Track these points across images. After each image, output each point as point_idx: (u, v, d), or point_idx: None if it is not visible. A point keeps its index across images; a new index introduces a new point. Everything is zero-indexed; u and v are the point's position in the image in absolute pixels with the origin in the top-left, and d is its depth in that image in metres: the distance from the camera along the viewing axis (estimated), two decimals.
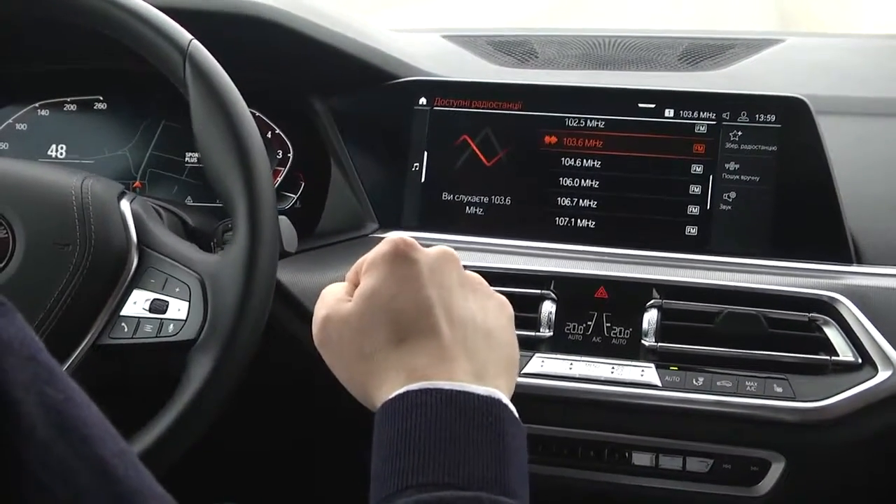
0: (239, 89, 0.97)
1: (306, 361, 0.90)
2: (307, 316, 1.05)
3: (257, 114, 1.20)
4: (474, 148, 1.20)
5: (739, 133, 1.14)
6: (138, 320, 0.93)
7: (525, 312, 1.06)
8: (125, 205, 0.98)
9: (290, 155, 1.28)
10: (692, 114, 1.16)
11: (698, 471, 1.06)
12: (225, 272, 0.92)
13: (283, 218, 0.98)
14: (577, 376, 1.06)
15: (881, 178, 1.18)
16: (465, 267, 0.77)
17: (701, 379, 1.04)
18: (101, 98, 1.31)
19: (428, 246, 0.76)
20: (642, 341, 1.07)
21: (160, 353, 0.93)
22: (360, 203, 1.23)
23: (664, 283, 1.09)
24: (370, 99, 1.25)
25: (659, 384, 1.04)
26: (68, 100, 1.32)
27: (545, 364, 1.06)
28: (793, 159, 1.13)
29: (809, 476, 1.05)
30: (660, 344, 1.06)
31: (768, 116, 1.14)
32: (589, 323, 1.09)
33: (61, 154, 1.31)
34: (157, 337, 0.92)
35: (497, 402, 0.66)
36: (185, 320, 0.92)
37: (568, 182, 1.18)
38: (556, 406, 1.05)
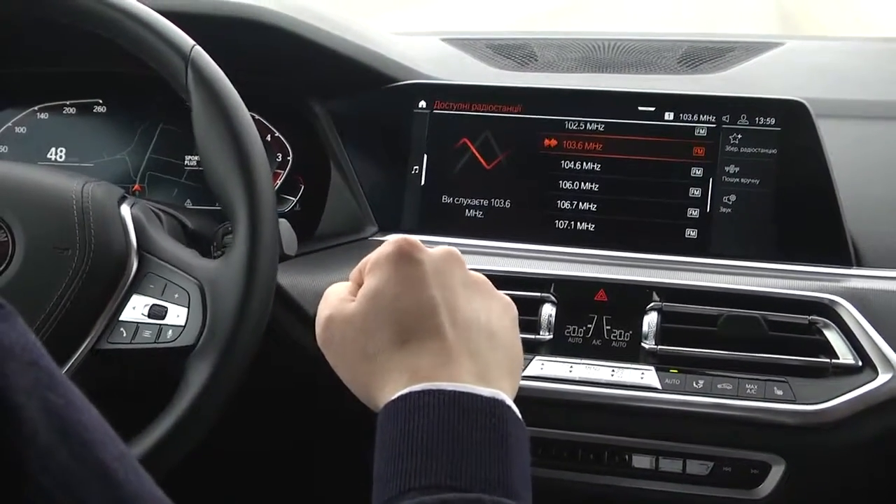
0: (239, 92, 0.97)
1: (306, 363, 0.90)
2: (307, 319, 1.05)
3: (257, 117, 1.21)
4: (474, 151, 1.20)
5: (739, 136, 1.14)
6: (137, 325, 0.93)
7: (525, 315, 1.05)
8: (125, 209, 0.98)
9: (290, 158, 1.28)
10: (692, 117, 1.16)
11: (698, 473, 1.06)
12: (224, 279, 0.92)
13: (282, 221, 0.98)
14: (578, 379, 1.06)
15: (881, 180, 1.18)
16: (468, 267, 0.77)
17: (701, 381, 1.04)
18: (101, 101, 1.32)
19: (432, 247, 0.76)
20: (642, 344, 1.07)
21: (158, 359, 0.93)
22: (360, 206, 1.23)
23: (664, 285, 1.09)
24: (370, 102, 1.25)
25: (659, 387, 1.04)
26: (67, 103, 1.32)
27: (545, 367, 1.06)
28: (793, 162, 1.13)
29: (809, 479, 1.05)
30: (660, 347, 1.06)
31: (768, 120, 1.14)
32: (589, 326, 1.09)
33: (61, 157, 1.31)
34: (155, 342, 0.92)
35: (500, 404, 0.66)
36: (184, 326, 0.92)
37: (568, 185, 1.18)
38: (557, 409, 1.06)
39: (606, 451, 1.08)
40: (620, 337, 1.09)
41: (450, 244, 1.11)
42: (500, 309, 0.77)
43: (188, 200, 1.28)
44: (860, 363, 1.02)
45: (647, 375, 1.05)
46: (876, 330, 1.03)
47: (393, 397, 0.67)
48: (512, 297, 0.82)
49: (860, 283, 1.08)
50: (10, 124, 1.32)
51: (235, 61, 0.99)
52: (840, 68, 1.39)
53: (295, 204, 1.28)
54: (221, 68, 0.97)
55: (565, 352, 1.08)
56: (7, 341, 0.45)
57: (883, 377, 1.00)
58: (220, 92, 0.95)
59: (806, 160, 1.13)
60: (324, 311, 0.76)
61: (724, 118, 1.15)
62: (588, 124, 1.18)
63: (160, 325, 0.93)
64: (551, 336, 1.08)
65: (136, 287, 0.95)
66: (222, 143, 0.93)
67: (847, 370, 1.02)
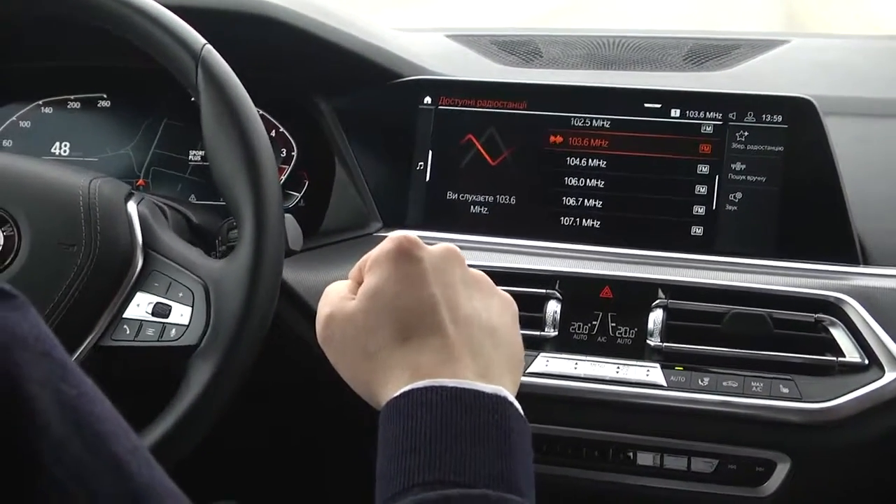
0: (244, 87, 0.97)
1: (310, 359, 0.90)
2: (311, 314, 1.04)
3: (262, 112, 1.21)
4: (479, 147, 1.20)
5: (746, 133, 1.14)
6: (140, 323, 0.93)
7: (530, 312, 1.06)
8: (132, 206, 0.98)
9: (295, 153, 1.28)
10: (698, 114, 1.16)
11: (703, 471, 1.06)
12: (229, 280, 0.92)
13: (288, 216, 0.98)
14: (582, 376, 1.06)
15: (888, 178, 1.18)
16: (470, 266, 0.77)
17: (706, 379, 1.04)
18: (105, 96, 1.32)
19: (432, 245, 0.76)
20: (647, 341, 1.07)
21: (161, 357, 0.93)
22: (364, 202, 1.23)
23: (670, 283, 1.09)
24: (375, 98, 1.25)
25: (664, 384, 1.04)
26: (72, 98, 1.32)
27: (550, 364, 1.06)
28: (799, 160, 1.13)
29: (815, 477, 1.05)
30: (665, 344, 1.06)
31: (775, 117, 1.14)
32: (594, 323, 1.09)
33: (65, 152, 1.31)
34: (158, 341, 0.93)
35: (503, 400, 0.66)
36: (188, 326, 0.92)
37: (573, 182, 1.18)
38: (561, 405, 1.06)
39: (611, 448, 1.08)
40: (625, 334, 1.09)
41: (454, 240, 1.11)
42: (501, 306, 0.76)
43: (192, 195, 1.28)
44: (867, 361, 1.02)
45: (652, 373, 1.05)
46: (882, 328, 1.03)
47: (395, 394, 0.67)
48: (516, 293, 0.82)
49: (867, 280, 1.08)
50: (14, 119, 1.32)
51: (240, 56, 0.99)
52: (846, 66, 1.39)
53: (299, 199, 1.28)
54: (227, 63, 0.97)
55: (570, 349, 1.08)
56: (20, 331, 0.45)
57: (889, 375, 1.00)
58: (230, 92, 0.94)
59: (813, 157, 1.12)
60: (324, 309, 0.76)
61: (730, 115, 1.15)
62: (594, 121, 1.18)
63: (164, 323, 0.93)
64: (556, 333, 1.08)
65: (141, 285, 0.95)
66: (230, 143, 0.93)
67: (853, 368, 1.02)
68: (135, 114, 1.31)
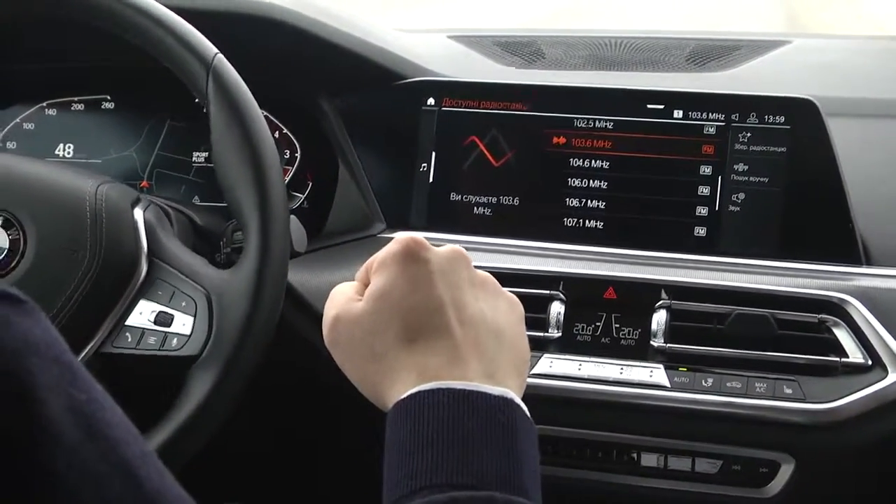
0: (246, 85, 0.97)
1: (314, 360, 0.90)
2: (315, 315, 1.05)
3: (265, 113, 1.21)
4: (482, 148, 1.20)
5: (748, 134, 1.14)
6: (143, 331, 0.93)
7: (534, 313, 1.06)
8: (138, 213, 0.98)
9: (298, 155, 1.29)
10: (701, 115, 1.16)
11: (707, 472, 1.06)
12: (232, 291, 0.92)
13: (292, 218, 0.98)
14: (586, 377, 1.06)
15: (890, 179, 1.18)
16: (474, 266, 0.77)
17: (710, 380, 1.04)
18: (109, 97, 1.32)
19: (436, 246, 0.76)
20: (651, 342, 1.07)
21: (162, 367, 0.93)
22: (368, 203, 1.23)
23: (673, 284, 1.09)
24: (378, 99, 1.25)
25: (668, 385, 1.04)
26: (76, 99, 1.32)
27: (554, 365, 1.06)
28: (802, 160, 1.13)
29: (819, 478, 1.05)
30: (669, 345, 1.06)
31: (777, 118, 1.14)
32: (598, 324, 1.09)
33: (69, 153, 1.31)
34: (159, 350, 0.93)
35: (509, 402, 0.66)
36: (189, 336, 0.92)
37: (576, 183, 1.18)
38: (565, 407, 1.06)
39: (615, 450, 1.08)
40: (629, 335, 1.09)
41: (458, 241, 1.11)
42: (507, 307, 0.76)
43: (196, 196, 1.28)
44: (870, 362, 1.02)
45: (655, 373, 1.05)
46: (886, 328, 1.03)
47: (402, 396, 0.67)
48: (520, 294, 0.82)
49: (870, 281, 1.08)
50: (17, 121, 1.33)
51: (244, 58, 0.99)
52: (847, 66, 1.39)
53: (303, 201, 1.28)
54: (231, 64, 0.97)
55: (574, 350, 1.08)
56: (32, 337, 0.45)
57: (893, 376, 1.00)
58: (240, 102, 0.95)
59: (815, 158, 1.12)
60: (330, 311, 0.76)
61: (733, 116, 1.15)
62: (597, 122, 1.18)
63: (166, 332, 0.93)
64: (560, 334, 1.08)
65: (144, 293, 0.95)
66: (239, 154, 0.93)
67: (857, 369, 1.02)
68: (138, 115, 1.31)
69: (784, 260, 1.11)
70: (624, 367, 1.06)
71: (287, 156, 1.28)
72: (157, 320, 0.93)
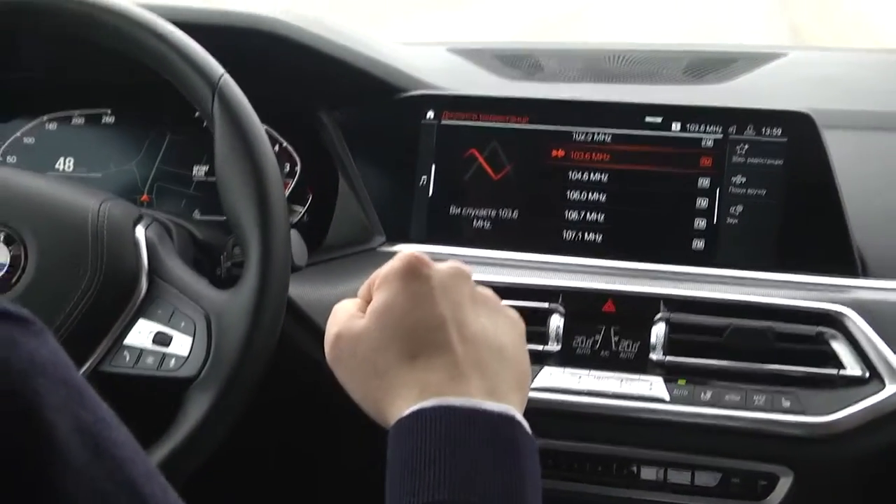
0: (250, 102, 0.97)
1: (314, 374, 0.90)
2: (315, 329, 1.06)
3: (266, 127, 1.22)
4: (482, 161, 1.20)
5: (746, 147, 1.15)
6: (141, 351, 0.93)
7: (533, 326, 1.06)
8: (140, 231, 0.98)
9: (298, 168, 1.29)
10: (699, 128, 1.16)
11: (706, 485, 1.06)
12: (231, 313, 0.92)
13: (293, 232, 0.98)
14: (586, 390, 1.06)
15: (887, 191, 1.19)
16: (475, 281, 0.78)
17: (709, 393, 1.04)
18: (109, 111, 1.32)
19: (436, 259, 0.76)
20: (650, 355, 1.07)
21: (159, 387, 0.93)
22: (368, 216, 1.23)
23: (672, 297, 1.09)
24: (378, 112, 1.26)
25: (667, 398, 1.04)
26: (76, 113, 1.32)
27: (554, 378, 1.07)
28: (799, 173, 1.13)
29: (818, 490, 1.06)
30: (668, 357, 1.06)
31: (775, 130, 1.14)
32: (597, 337, 1.10)
33: (69, 167, 1.31)
34: (157, 370, 0.92)
35: (510, 419, 0.67)
36: (188, 357, 0.92)
37: (575, 195, 1.18)
38: (565, 420, 1.06)
39: (615, 463, 1.08)
40: (628, 348, 1.09)
41: (457, 255, 1.12)
42: (508, 324, 0.77)
43: (197, 210, 1.28)
44: (868, 374, 1.02)
45: (655, 386, 1.05)
46: (884, 341, 1.03)
47: (404, 414, 0.67)
48: (520, 308, 0.83)
49: (867, 293, 1.08)
50: (18, 135, 1.33)
51: (245, 71, 0.99)
52: (845, 79, 1.40)
53: (303, 214, 1.28)
54: (232, 75, 0.97)
55: (574, 363, 1.09)
56: (39, 357, 0.46)
57: (890, 388, 1.01)
58: (245, 124, 0.94)
59: (812, 171, 1.13)
60: (332, 328, 0.76)
61: (730, 129, 1.15)
62: (595, 135, 1.18)
63: (164, 352, 0.93)
64: (560, 347, 1.09)
65: (144, 311, 0.95)
66: (242, 176, 0.93)
67: (855, 381, 1.02)
68: (139, 129, 1.31)
69: (782, 272, 1.12)
70: (623, 380, 1.06)
71: (287, 169, 1.29)
72: (156, 340, 0.93)
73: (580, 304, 1.11)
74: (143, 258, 0.96)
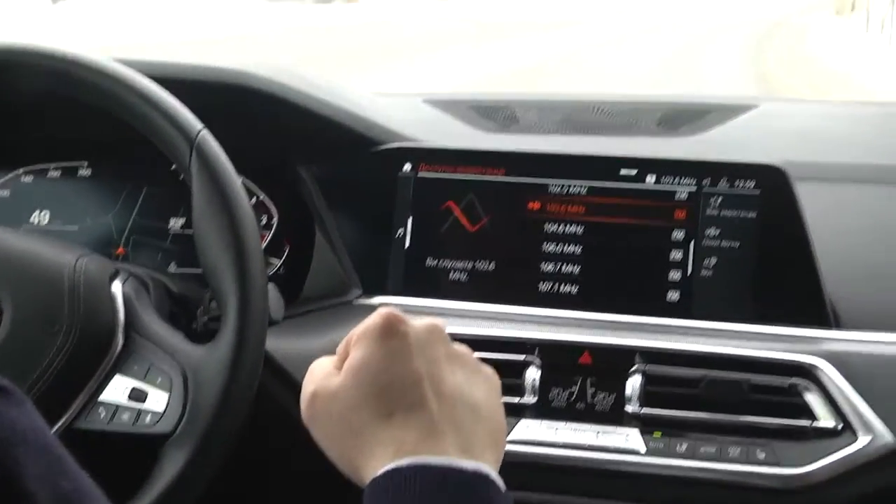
0: (227, 153, 0.99)
1: (289, 427, 0.91)
2: (292, 384, 1.07)
3: (244, 179, 1.23)
4: (458, 214, 1.22)
5: (720, 199, 1.17)
6: (116, 407, 0.93)
7: (510, 378, 1.08)
8: (117, 286, 0.99)
9: (275, 220, 1.30)
10: (673, 180, 1.19)
11: None
12: (208, 369, 0.92)
13: (270, 286, 0.99)
14: (562, 442, 1.08)
15: (859, 243, 1.21)
16: (450, 334, 0.78)
17: (685, 445, 1.06)
18: (86, 164, 1.33)
19: (413, 312, 0.77)
20: (626, 407, 1.09)
21: (134, 444, 0.93)
22: (344, 268, 1.25)
23: (647, 349, 1.11)
24: (355, 165, 1.28)
25: (643, 450, 1.06)
26: (52, 166, 1.33)
27: (530, 430, 1.09)
28: (772, 225, 1.16)
29: None
30: (643, 409, 1.08)
31: (748, 183, 1.17)
32: (573, 389, 1.11)
33: (45, 220, 1.32)
34: (133, 427, 0.93)
35: (485, 477, 0.67)
36: (164, 413, 0.92)
37: (551, 248, 1.20)
38: (542, 472, 1.08)
39: None
40: (605, 400, 1.11)
41: (434, 307, 1.14)
42: (483, 381, 0.77)
43: (173, 263, 1.30)
44: (840, 426, 1.05)
45: (631, 438, 1.07)
46: (856, 392, 1.05)
47: (378, 473, 0.68)
48: (496, 360, 0.84)
49: (840, 345, 1.11)
50: None
51: (222, 124, 1.01)
52: (817, 131, 1.43)
53: (280, 266, 1.30)
54: (208, 128, 0.99)
55: (550, 415, 1.10)
56: (20, 427, 0.47)
57: (863, 440, 1.03)
58: (223, 180, 0.96)
59: (785, 223, 1.15)
60: (308, 386, 0.76)
61: (704, 182, 1.18)
62: (571, 188, 1.21)
63: (139, 409, 0.93)
64: (536, 399, 1.10)
65: (120, 367, 0.95)
66: (220, 231, 0.94)
67: (828, 433, 1.05)
68: (115, 182, 1.33)
69: (756, 324, 1.14)
70: (599, 433, 1.08)
71: (264, 221, 1.30)
72: (132, 396, 0.93)
73: (556, 357, 1.12)
74: (120, 314, 0.97)
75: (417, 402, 0.71)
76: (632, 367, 1.10)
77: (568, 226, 1.20)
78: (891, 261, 1.20)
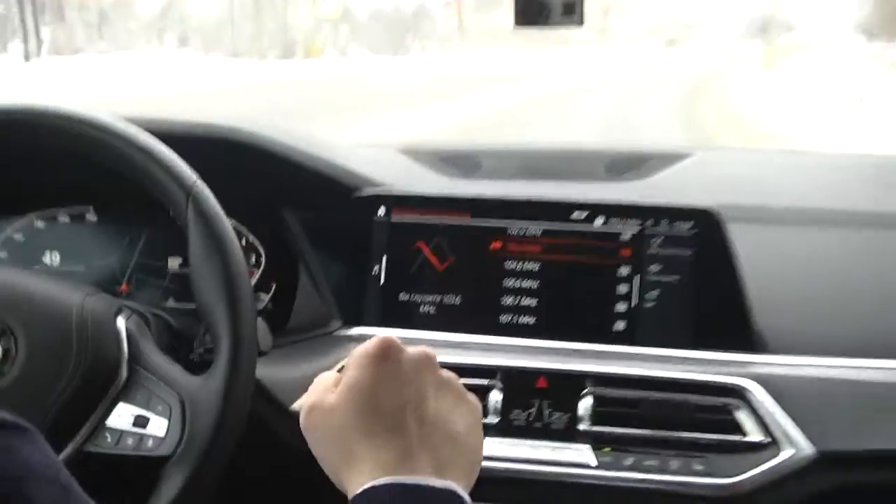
0: (217, 199, 1.00)
1: (279, 449, 0.93)
2: (281, 407, 1.08)
3: (234, 222, 1.25)
4: (428, 253, 1.25)
5: (661, 239, 1.20)
6: (121, 433, 0.94)
7: None
8: (121, 322, 1.00)
9: (263, 260, 1.32)
10: (619, 222, 1.21)
11: None
12: (204, 398, 0.94)
13: (259, 321, 1.00)
14: (522, 458, 1.10)
15: (783, 277, 1.24)
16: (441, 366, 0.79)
17: (631, 459, 1.09)
18: (92, 209, 1.34)
19: (407, 344, 0.78)
20: (579, 426, 1.12)
21: (137, 465, 0.94)
22: (326, 303, 1.26)
23: (597, 373, 1.14)
24: (335, 210, 1.29)
25: (594, 464, 1.09)
26: (62, 212, 1.35)
27: (493, 447, 1.10)
28: (707, 262, 1.19)
29: None
30: (594, 427, 1.11)
31: (685, 224, 1.20)
32: (531, 410, 1.14)
33: (55, 261, 1.34)
34: (136, 450, 0.94)
35: (453, 494, 0.69)
36: (164, 437, 0.93)
37: (511, 283, 1.23)
38: (504, 485, 1.09)
39: None
40: (559, 419, 1.13)
41: (407, 337, 1.15)
42: (467, 410, 0.78)
43: (171, 299, 1.31)
44: (768, 440, 1.08)
45: (583, 454, 1.10)
46: (781, 410, 1.09)
47: (357, 492, 0.69)
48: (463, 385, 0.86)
49: (766, 368, 1.14)
50: (8, 232, 1.35)
51: (214, 174, 1.02)
52: (745, 177, 1.46)
53: (268, 302, 1.32)
54: (202, 177, 1.00)
55: (511, 433, 1.13)
56: (32, 462, 0.48)
57: (787, 452, 1.06)
58: (216, 227, 0.97)
59: (718, 260, 1.18)
60: (309, 398, 0.77)
61: (647, 223, 1.21)
62: (528, 229, 1.23)
63: (142, 434, 0.94)
64: (499, 419, 1.13)
65: (124, 396, 0.96)
66: (214, 273, 0.95)
67: (756, 447, 1.08)
68: (119, 226, 1.34)
69: (693, 350, 1.17)
70: (555, 449, 1.11)
71: (253, 260, 1.32)
72: (136, 422, 0.94)
73: (516, 381, 1.15)
74: (124, 347, 0.98)
75: (399, 426, 0.72)
76: (583, 389, 1.13)
77: (526, 263, 1.23)
78: (811, 292, 1.23)
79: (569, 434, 1.12)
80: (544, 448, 1.11)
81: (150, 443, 0.94)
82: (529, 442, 1.12)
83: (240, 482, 1.12)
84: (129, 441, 0.94)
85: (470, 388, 1.05)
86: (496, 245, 1.24)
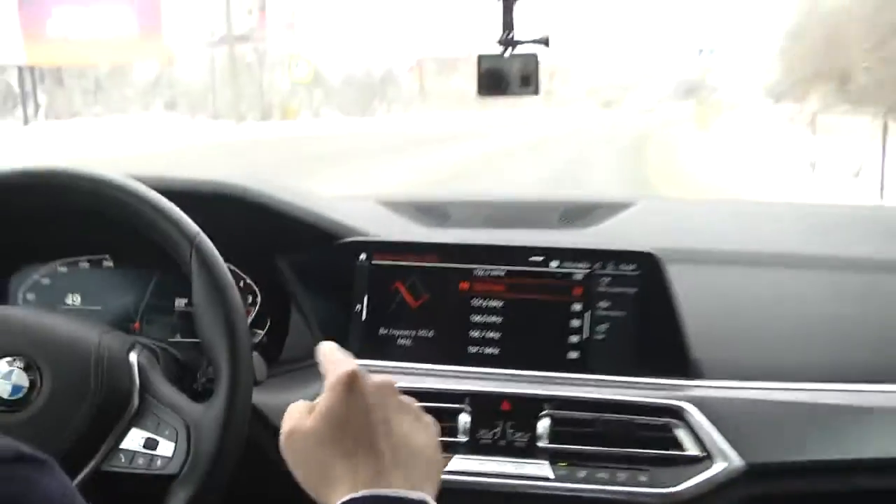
0: (216, 246, 1.02)
1: (272, 470, 0.94)
2: (274, 430, 1.09)
3: (231, 266, 1.27)
4: (404, 293, 1.27)
5: (608, 279, 1.22)
6: (133, 454, 0.96)
7: (446, 422, 1.13)
8: (133, 357, 1.02)
9: (259, 299, 1.34)
10: (571, 264, 1.24)
11: None
12: (206, 423, 0.96)
13: (255, 355, 1.02)
14: (488, 472, 1.13)
15: (717, 312, 1.27)
16: (399, 388, 0.82)
17: (584, 472, 1.11)
18: (108, 257, 1.37)
19: (370, 371, 0.80)
20: (538, 443, 1.14)
21: (147, 483, 0.96)
22: (314, 336, 1.28)
23: (554, 397, 1.16)
24: (322, 256, 1.31)
25: (552, 477, 1.12)
26: (82, 259, 1.37)
27: (463, 464, 1.13)
28: (650, 299, 1.21)
29: None
30: (552, 445, 1.13)
31: (629, 266, 1.22)
32: (496, 430, 1.16)
33: (76, 302, 1.35)
34: (146, 469, 0.96)
35: (426, 502, 0.71)
36: (171, 458, 0.95)
37: (477, 318, 1.25)
38: (472, 497, 1.12)
39: None
40: (521, 438, 1.15)
41: (386, 366, 1.18)
42: (424, 427, 0.80)
43: (178, 334, 1.33)
44: (703, 454, 1.10)
45: (542, 468, 1.12)
46: (714, 428, 1.12)
47: (340, 502, 0.71)
48: (436, 408, 0.89)
49: (702, 391, 1.16)
50: (35, 277, 1.37)
51: (213, 225, 1.04)
52: (683, 223, 1.50)
53: (263, 337, 1.34)
54: (201, 228, 1.02)
55: (478, 451, 1.15)
56: (50, 492, 0.49)
57: (720, 465, 1.09)
58: (217, 274, 0.99)
59: (659, 297, 1.21)
60: (287, 424, 0.79)
61: (595, 265, 1.23)
62: (492, 271, 1.25)
63: (152, 455, 0.96)
64: (467, 438, 1.15)
65: (136, 422, 0.98)
66: (215, 314, 0.98)
67: (693, 460, 1.11)
68: (132, 271, 1.36)
69: (638, 376, 1.19)
70: (518, 464, 1.13)
71: (249, 300, 1.34)
72: (146, 445, 0.96)
73: (483, 404, 1.17)
74: (136, 379, 1.00)
75: (372, 445, 0.74)
76: (542, 411, 1.15)
77: (490, 301, 1.25)
78: (741, 325, 1.26)
79: (530, 451, 1.14)
80: (508, 463, 1.13)
81: (159, 462, 0.95)
82: (495, 458, 1.14)
83: (240, 498, 1.13)
84: (141, 461, 0.96)
85: (441, 411, 1.10)
86: (464, 285, 1.26)
